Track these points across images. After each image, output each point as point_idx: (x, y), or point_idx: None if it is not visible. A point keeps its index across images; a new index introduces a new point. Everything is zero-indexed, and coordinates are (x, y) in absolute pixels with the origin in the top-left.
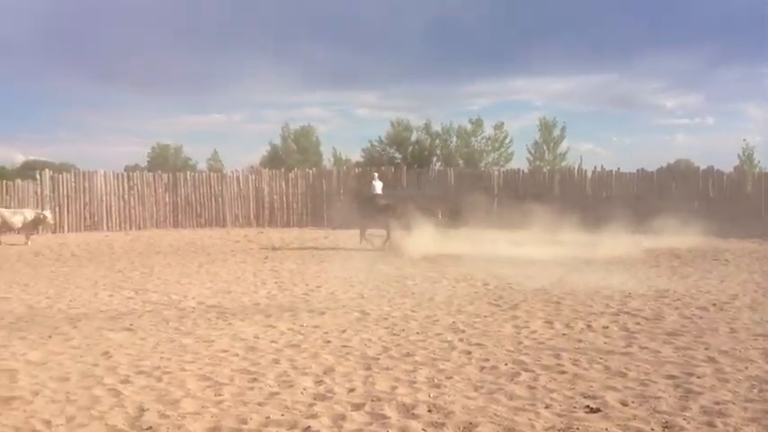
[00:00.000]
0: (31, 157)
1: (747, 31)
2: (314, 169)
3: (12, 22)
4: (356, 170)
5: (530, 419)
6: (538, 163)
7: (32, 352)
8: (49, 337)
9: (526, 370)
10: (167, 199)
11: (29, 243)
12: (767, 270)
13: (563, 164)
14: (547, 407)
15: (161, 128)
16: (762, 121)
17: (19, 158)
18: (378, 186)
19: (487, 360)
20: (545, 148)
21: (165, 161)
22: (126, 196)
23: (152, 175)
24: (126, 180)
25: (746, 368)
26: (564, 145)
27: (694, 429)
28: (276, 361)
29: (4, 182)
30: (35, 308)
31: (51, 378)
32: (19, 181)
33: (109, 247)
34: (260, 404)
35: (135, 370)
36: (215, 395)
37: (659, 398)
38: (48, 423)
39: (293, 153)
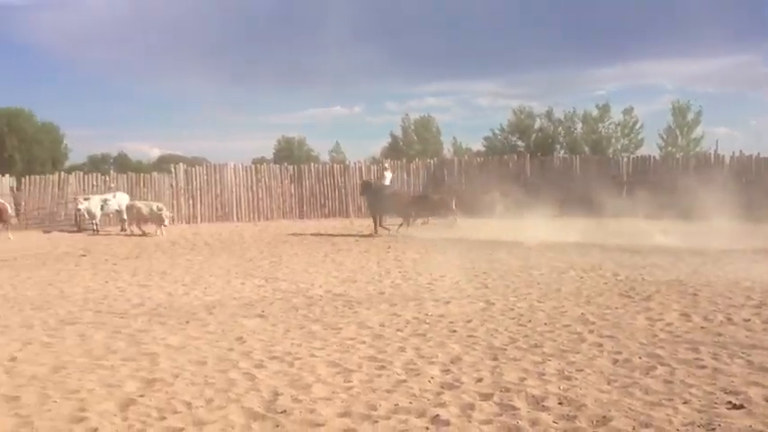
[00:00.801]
0: (167, 152)
1: None
2: (435, 159)
3: (152, 26)
4: (478, 159)
5: (667, 415)
6: (670, 149)
7: (172, 336)
8: (187, 322)
9: (662, 364)
10: (293, 190)
11: (159, 233)
12: None
13: (697, 149)
14: (685, 402)
15: (286, 121)
16: None
17: (155, 153)
18: (388, 178)
19: (620, 353)
20: (678, 133)
21: (289, 153)
22: (254, 188)
23: (278, 167)
24: (254, 172)
25: None
26: (698, 130)
27: None
28: (402, 349)
29: (142, 175)
30: (173, 295)
31: (190, 361)
32: (155, 174)
33: (239, 236)
34: (388, 391)
35: (268, 355)
36: (344, 381)
37: None
38: (188, 404)
39: (414, 143)
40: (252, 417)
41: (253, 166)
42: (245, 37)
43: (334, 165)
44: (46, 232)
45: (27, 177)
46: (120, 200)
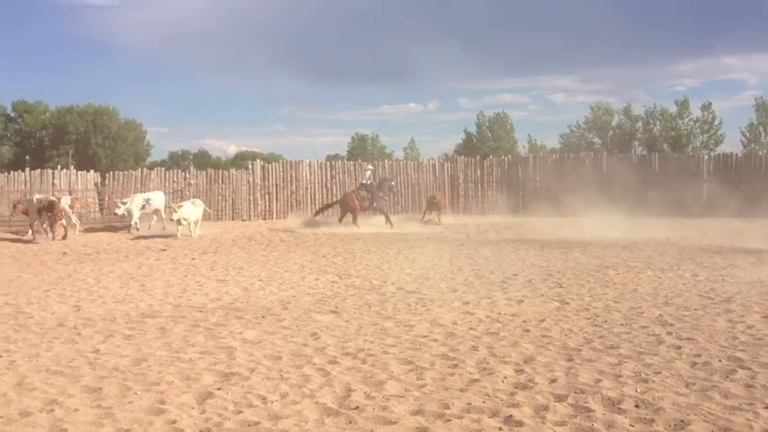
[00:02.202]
0: (243, 148)
1: None
2: (509, 156)
3: (230, 26)
4: (553, 157)
5: (747, 420)
6: (753, 146)
7: (248, 331)
8: (263, 317)
9: (743, 367)
10: None
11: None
12: None
13: None
14: (767, 407)
15: (361, 118)
16: None
17: (232, 149)
18: (365, 176)
19: (699, 355)
20: (761, 129)
21: (363, 150)
22: (328, 184)
23: (352, 163)
24: (329, 169)
25: None
26: None
27: None
28: (475, 348)
29: (220, 171)
30: (249, 290)
31: (265, 356)
32: (233, 170)
33: (314, 233)
34: (461, 390)
35: (341, 351)
36: (417, 379)
37: None
38: (263, 399)
39: (488, 140)
40: (325, 412)
41: (327, 163)
42: (320, 36)
43: (408, 161)
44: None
45: (110, 173)
46: (159, 199)
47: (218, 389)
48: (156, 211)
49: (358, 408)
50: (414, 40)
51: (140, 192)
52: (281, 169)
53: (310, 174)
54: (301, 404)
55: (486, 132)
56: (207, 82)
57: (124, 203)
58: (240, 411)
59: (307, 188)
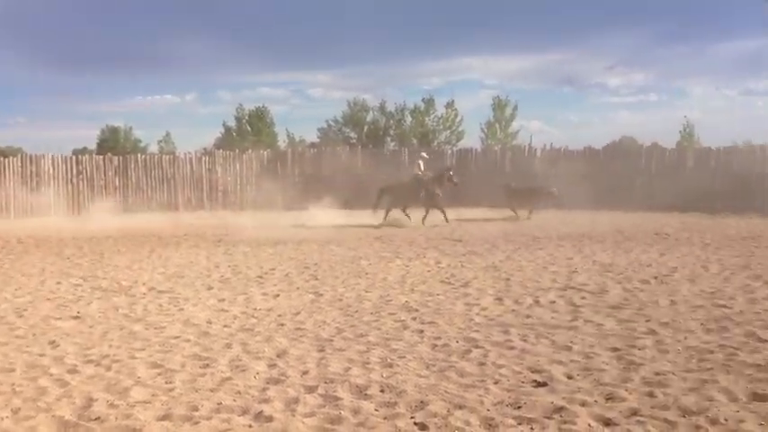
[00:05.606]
0: None
1: (692, 10)
2: (268, 151)
3: None
4: (311, 151)
5: (479, 395)
6: (489, 141)
7: None
8: None
9: (477, 347)
10: (117, 183)
11: None
12: (706, 243)
13: (514, 142)
14: (496, 382)
15: (112, 110)
16: (701, 99)
17: None
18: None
19: (439, 338)
20: (497, 126)
21: (114, 144)
22: (74, 180)
23: (101, 158)
24: (74, 164)
25: (686, 339)
26: (516, 124)
27: (636, 400)
28: (229, 346)
29: None
30: None
31: None
32: None
33: (57, 233)
34: (212, 390)
35: (83, 359)
36: (166, 383)
37: (603, 370)
38: None
39: (247, 134)
40: (63, 426)
41: (73, 157)
42: (64, 19)
43: (163, 155)
44: None
45: None
46: None
47: None
48: None
49: (99, 418)
50: (169, 28)
51: None
52: (20, 164)
53: (53, 169)
54: (36, 419)
55: (246, 126)
56: None
57: None
58: None
59: (49, 184)
